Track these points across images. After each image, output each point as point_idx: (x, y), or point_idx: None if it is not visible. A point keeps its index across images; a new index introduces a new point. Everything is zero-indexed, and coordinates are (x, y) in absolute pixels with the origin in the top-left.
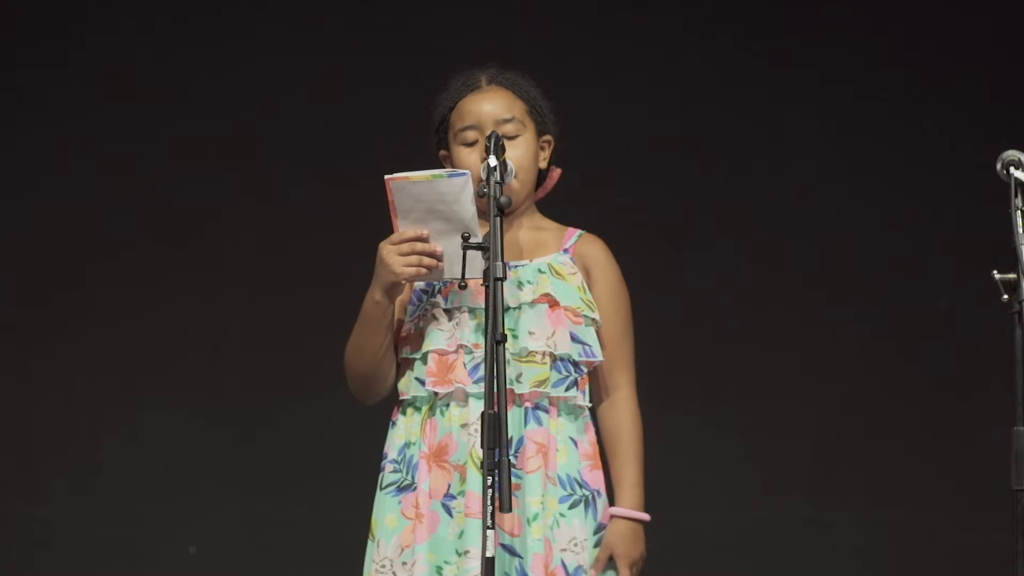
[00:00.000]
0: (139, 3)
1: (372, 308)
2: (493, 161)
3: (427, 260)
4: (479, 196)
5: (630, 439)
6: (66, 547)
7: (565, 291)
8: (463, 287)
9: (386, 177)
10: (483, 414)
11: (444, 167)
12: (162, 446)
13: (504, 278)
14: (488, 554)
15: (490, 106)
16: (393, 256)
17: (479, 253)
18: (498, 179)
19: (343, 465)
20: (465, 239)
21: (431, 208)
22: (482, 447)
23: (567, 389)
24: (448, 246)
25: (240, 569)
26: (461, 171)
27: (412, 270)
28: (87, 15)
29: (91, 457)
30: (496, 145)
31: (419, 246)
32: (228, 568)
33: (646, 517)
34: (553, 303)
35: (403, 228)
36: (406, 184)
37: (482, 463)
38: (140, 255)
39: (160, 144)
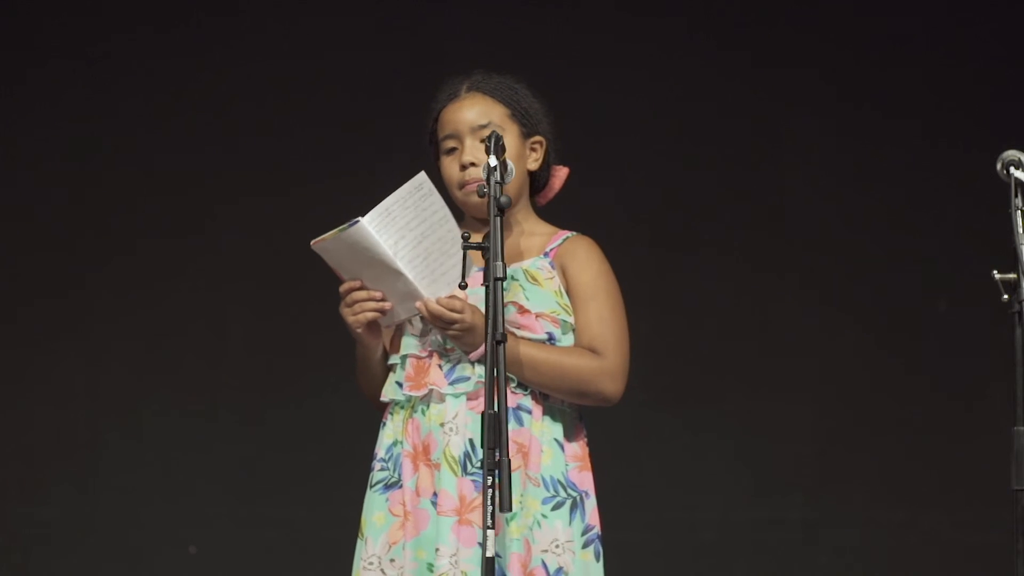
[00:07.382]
0: (139, 4)
1: (360, 349)
2: (493, 161)
3: (369, 305)
4: (479, 196)
5: (569, 351)
6: (66, 547)
7: (539, 297)
8: (463, 287)
9: (311, 243)
10: (483, 414)
11: (445, 175)
12: (162, 446)
13: (504, 278)
14: (488, 554)
15: (466, 113)
16: (345, 313)
17: (412, 274)
18: (498, 179)
19: (343, 465)
20: (465, 239)
21: (356, 258)
22: (482, 447)
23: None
24: (386, 288)
25: (240, 569)
26: (354, 220)
27: (361, 317)
28: (87, 16)
29: (91, 457)
30: (496, 145)
31: (359, 295)
32: (228, 568)
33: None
34: (523, 311)
35: (344, 281)
36: (324, 244)
37: (481, 463)
38: (140, 254)
39: (160, 143)
